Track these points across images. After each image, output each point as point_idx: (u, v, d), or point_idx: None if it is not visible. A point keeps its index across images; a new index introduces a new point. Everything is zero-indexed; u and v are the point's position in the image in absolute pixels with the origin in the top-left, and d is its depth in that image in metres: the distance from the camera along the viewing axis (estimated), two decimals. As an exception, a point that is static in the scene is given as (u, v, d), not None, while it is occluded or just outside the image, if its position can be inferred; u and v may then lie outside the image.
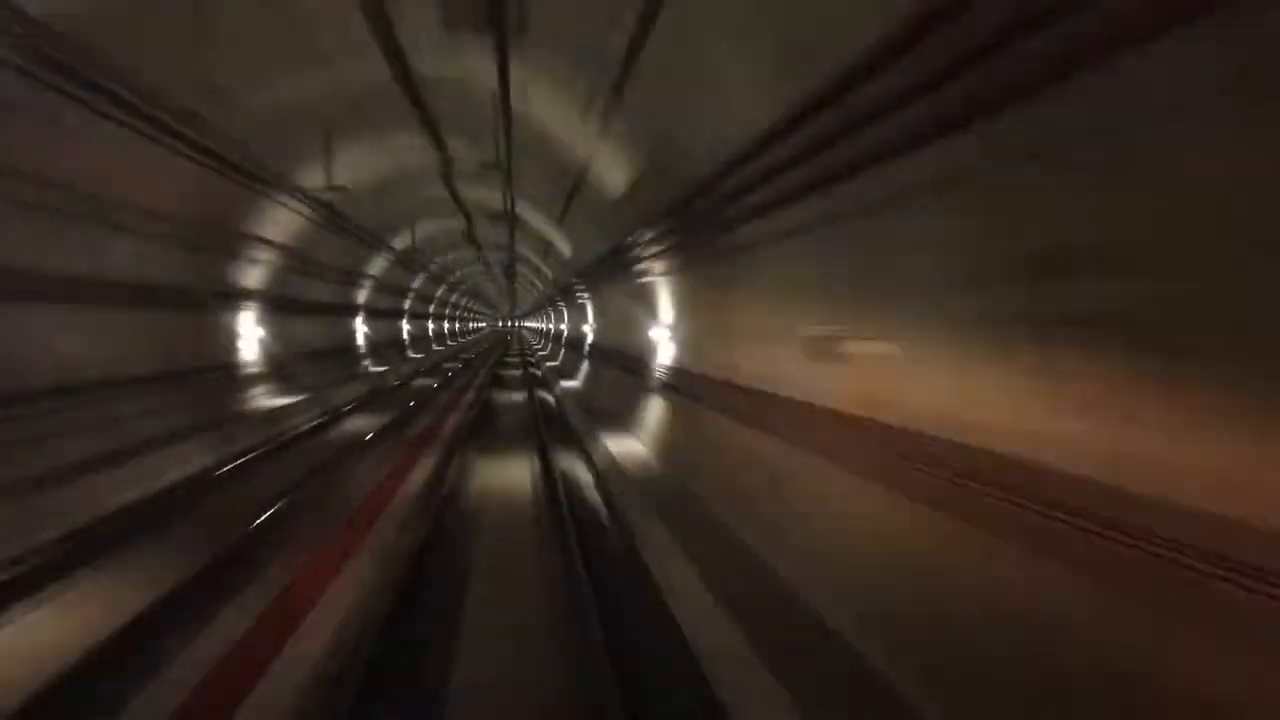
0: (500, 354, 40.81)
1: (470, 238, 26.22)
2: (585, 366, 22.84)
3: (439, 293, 42.08)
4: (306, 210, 15.23)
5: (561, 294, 27.90)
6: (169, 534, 7.79)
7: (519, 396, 20.83)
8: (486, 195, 18.77)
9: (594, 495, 9.51)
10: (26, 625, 5.57)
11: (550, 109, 10.76)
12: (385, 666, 4.84)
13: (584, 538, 7.45)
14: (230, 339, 15.32)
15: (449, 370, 31.19)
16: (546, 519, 8.33)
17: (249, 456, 11.39)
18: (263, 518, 7.92)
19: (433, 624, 5.56)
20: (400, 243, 24.64)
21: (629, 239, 11.81)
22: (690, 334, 11.01)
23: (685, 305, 11.30)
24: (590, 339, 23.50)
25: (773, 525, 6.54)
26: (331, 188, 14.02)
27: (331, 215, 16.29)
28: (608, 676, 4.42)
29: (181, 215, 11.47)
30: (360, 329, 26.74)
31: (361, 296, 26.07)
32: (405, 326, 35.75)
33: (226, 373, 14.65)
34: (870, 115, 4.68)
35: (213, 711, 4.28)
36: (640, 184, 10.40)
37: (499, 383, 25.17)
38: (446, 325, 53.64)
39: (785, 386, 7.06)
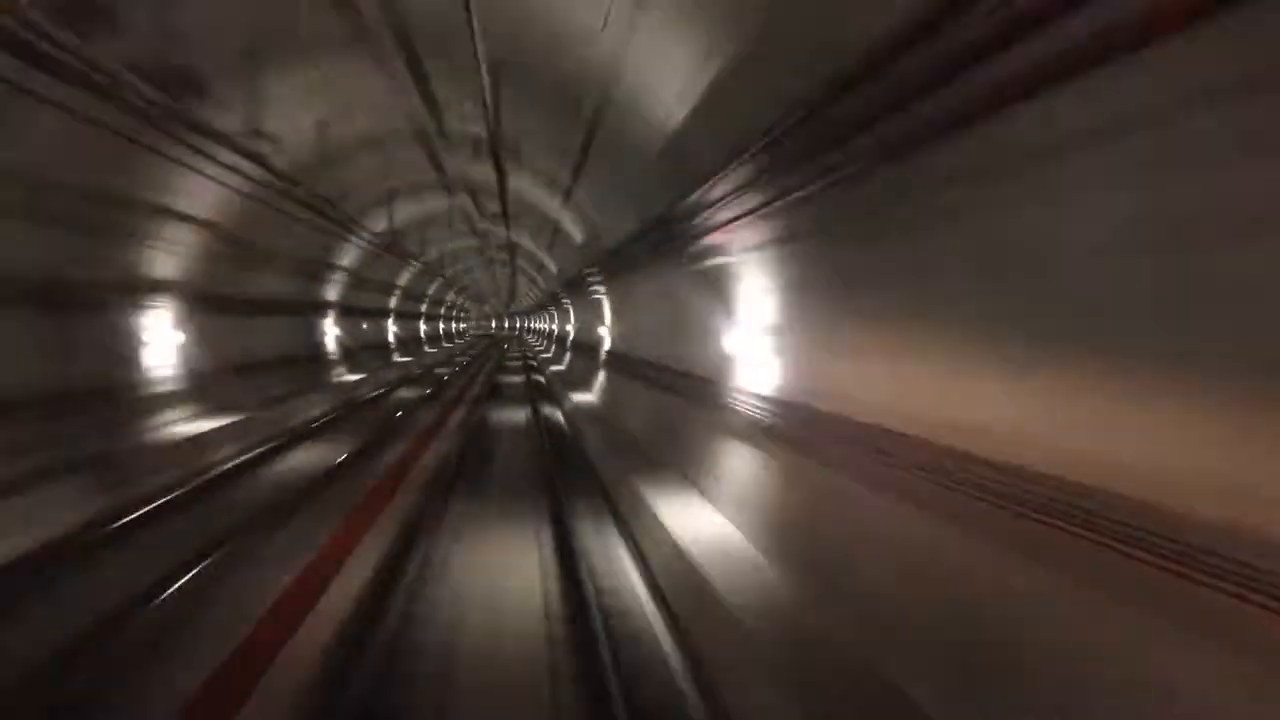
0: (500, 356, 47.66)
1: (480, 255, 34.21)
2: (567, 356, 30.79)
3: (449, 296, 50.10)
4: (367, 244, 23.15)
5: (552, 300, 35.78)
6: (347, 427, 15.78)
7: (519, 378, 28.81)
8: (494, 229, 26.72)
9: (559, 417, 17.47)
10: (309, 451, 13.54)
11: (533, 191, 18.66)
12: (462, 470, 12.78)
13: (550, 429, 15.41)
14: (320, 334, 23.31)
15: (460, 362, 39.16)
16: (532, 426, 16.30)
17: (361, 400, 19.39)
18: (386, 424, 15.91)
19: (480, 454, 13.50)
20: (425, 257, 32.60)
21: (585, 271, 19.73)
22: (617, 331, 18.97)
23: (614, 313, 19.27)
24: (571, 336, 31.46)
25: (636, 417, 14.46)
26: (391, 231, 21.99)
27: (386, 245, 24.24)
28: (554, 462, 12.35)
29: (302, 255, 19.39)
30: (391, 328, 34.77)
31: (393, 302, 34.07)
32: (422, 326, 43.79)
33: (322, 357, 22.67)
34: (667, 238, 12.52)
35: (405, 467, 12.17)
36: (585, 244, 18.38)
37: (503, 370, 33.15)
38: (455, 325, 61.72)
39: (660, 357, 14.91)
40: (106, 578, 7.10)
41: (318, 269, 21.62)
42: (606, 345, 20.53)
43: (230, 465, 11.69)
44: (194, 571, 7.02)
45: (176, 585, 6.71)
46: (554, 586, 7.04)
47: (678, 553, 6.63)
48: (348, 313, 26.11)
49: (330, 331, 24.46)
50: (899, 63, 4.13)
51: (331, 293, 24.17)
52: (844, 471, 5.63)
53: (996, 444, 4.04)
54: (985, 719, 3.66)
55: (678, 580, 6.37)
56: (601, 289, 19.78)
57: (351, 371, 25.02)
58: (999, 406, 4.11)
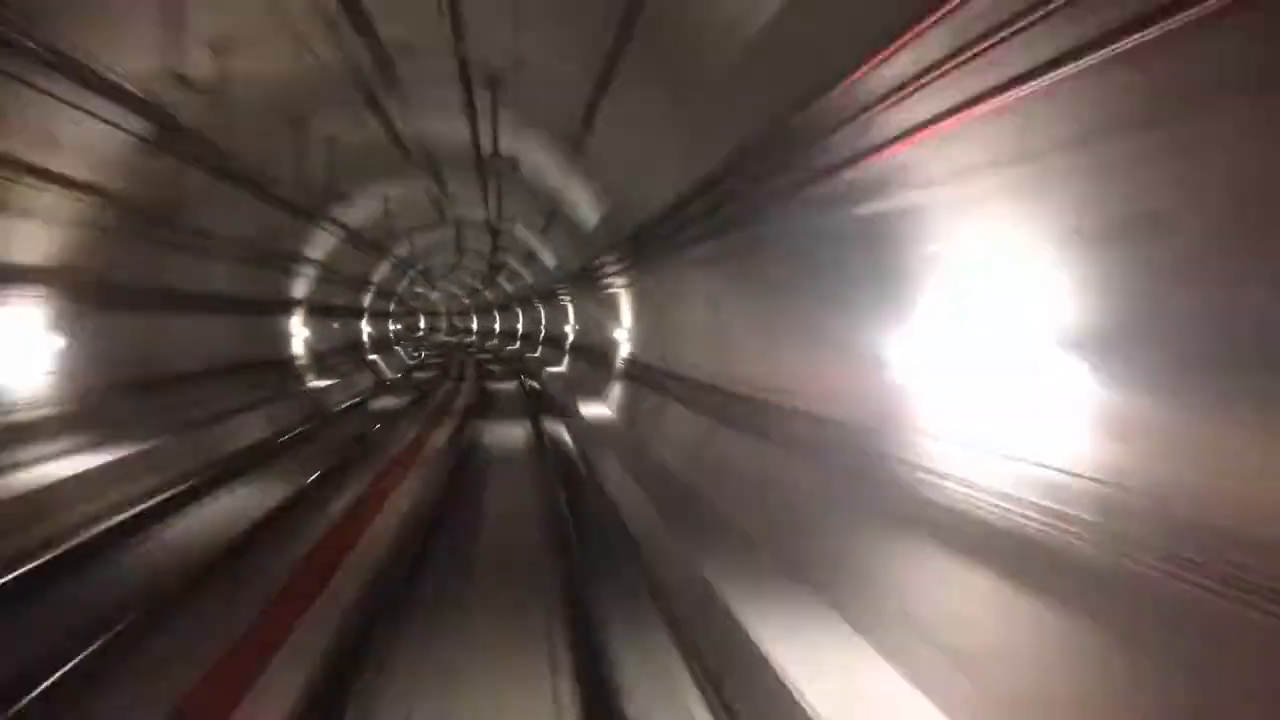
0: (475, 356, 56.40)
1: (460, 266, 43.30)
2: (540, 348, 39.94)
3: (434, 295, 59.04)
4: (390, 265, 32.13)
5: (526, 303, 44.84)
6: (400, 388, 24.82)
7: (503, 367, 37.97)
8: (483, 245, 35.79)
9: (537, 385, 26.68)
10: (383, 401, 22.60)
11: (521, 229, 27.76)
12: (475, 408, 21.92)
13: (528, 389, 24.59)
14: (359, 331, 32.32)
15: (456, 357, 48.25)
16: (518, 393, 25.46)
17: (393, 379, 28.50)
18: (422, 386, 24.98)
19: (484, 404, 22.67)
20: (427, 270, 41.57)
21: (555, 285, 28.89)
22: (577, 326, 28.17)
23: (575, 315, 28.46)
24: (543, 333, 40.61)
25: (580, 375, 23.64)
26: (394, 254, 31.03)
27: (400, 264, 33.28)
28: (530, 396, 21.51)
29: (348, 274, 28.35)
30: (393, 326, 43.73)
31: (391, 306, 43.03)
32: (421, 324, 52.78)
33: (359, 347, 31.75)
34: (589, 275, 21.64)
35: (446, 407, 21.19)
36: (557, 268, 27.59)
37: (488, 362, 42.26)
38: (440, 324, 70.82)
39: (592, 344, 24.04)
40: (341, 428, 16.22)
41: (363, 283, 30.68)
42: (570, 339, 29.75)
43: (349, 402, 20.81)
44: (374, 429, 16.21)
45: (371, 431, 15.83)
46: (531, 435, 16.25)
47: (585, 422, 15.83)
48: (375, 316, 35.11)
49: (364, 329, 33.48)
50: (682, 212, 13.01)
51: (365, 300, 33.18)
52: (647, 387, 14.82)
53: (704, 375, 13.25)
54: (694, 457, 12.91)
55: (580, 429, 15.62)
56: (567, 299, 28.97)
57: (386, 360, 34.17)
58: (705, 358, 13.31)
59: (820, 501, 6.45)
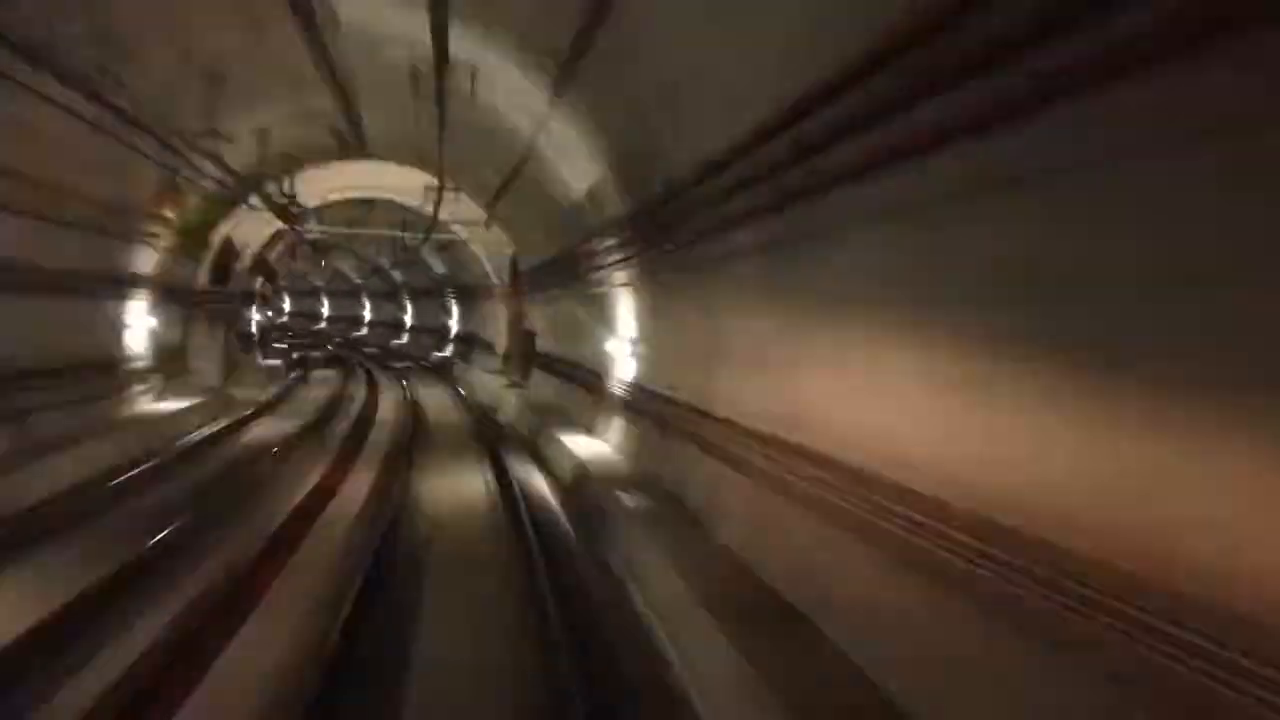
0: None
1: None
2: (422, 336, 48.48)
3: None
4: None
5: (393, 299, 52.98)
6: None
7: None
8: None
9: (428, 364, 35.71)
10: (321, 381, 31.11)
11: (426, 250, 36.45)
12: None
13: (426, 368, 33.60)
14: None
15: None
16: (416, 367, 34.37)
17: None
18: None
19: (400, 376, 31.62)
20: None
21: (443, 289, 37.69)
22: (458, 323, 37.26)
23: (458, 312, 37.54)
24: (409, 324, 49.16)
25: (473, 358, 32.84)
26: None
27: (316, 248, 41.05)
28: (436, 376, 30.57)
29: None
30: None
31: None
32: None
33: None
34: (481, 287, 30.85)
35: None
36: (445, 276, 36.58)
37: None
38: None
39: (472, 335, 33.19)
40: (322, 378, 25.02)
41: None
42: (453, 331, 38.75)
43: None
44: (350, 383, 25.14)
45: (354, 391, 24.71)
46: (451, 394, 25.63)
47: (480, 382, 25.30)
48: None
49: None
50: (543, 269, 22.46)
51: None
52: (542, 368, 24.43)
53: (592, 365, 22.92)
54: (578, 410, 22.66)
55: (482, 395, 25.10)
56: (453, 300, 37.95)
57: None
58: (554, 346, 22.95)
59: (586, 400, 16.48)
